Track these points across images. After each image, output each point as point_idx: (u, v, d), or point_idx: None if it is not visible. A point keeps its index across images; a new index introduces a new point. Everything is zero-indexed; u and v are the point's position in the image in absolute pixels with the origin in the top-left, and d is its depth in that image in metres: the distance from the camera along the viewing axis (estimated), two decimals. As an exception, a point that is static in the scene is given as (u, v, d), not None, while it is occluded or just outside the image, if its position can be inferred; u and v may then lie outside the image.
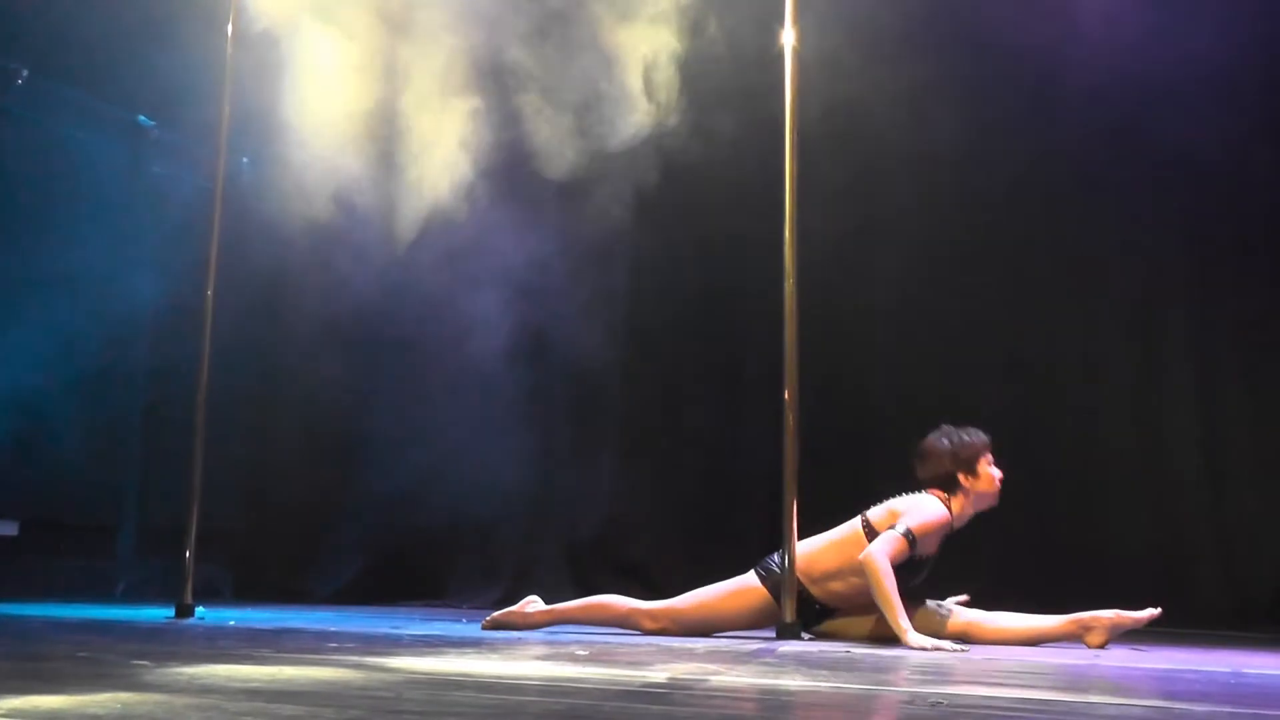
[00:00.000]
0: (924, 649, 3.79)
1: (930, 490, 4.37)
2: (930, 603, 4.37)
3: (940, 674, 2.93)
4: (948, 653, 3.74)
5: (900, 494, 4.41)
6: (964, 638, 4.19)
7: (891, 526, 4.23)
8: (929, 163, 6.20)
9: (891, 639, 4.13)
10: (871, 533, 4.30)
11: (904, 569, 4.17)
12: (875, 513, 4.37)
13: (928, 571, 4.35)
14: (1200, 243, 5.92)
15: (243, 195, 7.04)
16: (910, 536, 4.17)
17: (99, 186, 6.83)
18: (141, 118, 7.05)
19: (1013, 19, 5.85)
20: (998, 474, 4.37)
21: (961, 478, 4.34)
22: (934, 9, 6.04)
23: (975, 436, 4.41)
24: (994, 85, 6.08)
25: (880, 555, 4.12)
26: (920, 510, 4.26)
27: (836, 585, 4.32)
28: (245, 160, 7.26)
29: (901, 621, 3.99)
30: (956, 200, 6.18)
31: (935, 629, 4.22)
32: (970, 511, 4.37)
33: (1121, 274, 6.03)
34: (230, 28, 5.51)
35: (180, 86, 6.43)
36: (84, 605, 5.74)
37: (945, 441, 4.41)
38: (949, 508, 4.32)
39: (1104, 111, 5.95)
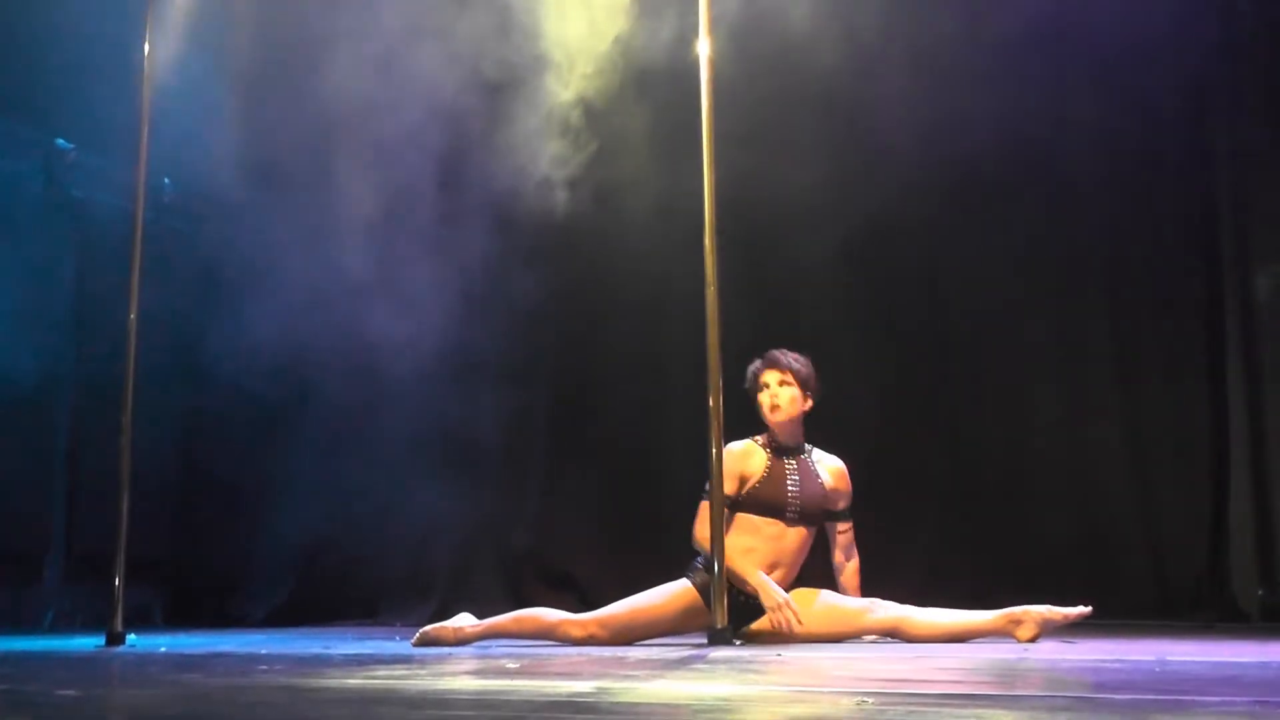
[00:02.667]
0: (775, 604, 4.19)
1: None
2: (861, 600, 4.40)
3: (871, 673, 2.96)
4: (790, 614, 4.16)
5: None
6: (895, 634, 4.23)
7: None
8: (848, 155, 6.22)
9: (828, 641, 4.18)
10: None
11: (765, 512, 4.43)
12: None
13: (799, 506, 4.46)
14: (1121, 236, 5.99)
15: (165, 216, 6.96)
16: (706, 494, 4.28)
17: (15, 211, 6.71)
18: (59, 140, 6.94)
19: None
20: (765, 403, 4.57)
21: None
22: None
23: (751, 368, 4.64)
24: (912, 82, 6.12)
25: (698, 532, 4.35)
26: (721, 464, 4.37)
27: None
28: (167, 181, 7.16)
29: (748, 576, 4.31)
30: (876, 194, 6.19)
31: (864, 625, 4.26)
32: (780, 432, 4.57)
33: (1044, 268, 6.09)
34: (147, 46, 5.45)
35: (98, 107, 6.34)
36: (11, 637, 5.65)
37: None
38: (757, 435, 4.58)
39: (1032, 94, 6.00)
